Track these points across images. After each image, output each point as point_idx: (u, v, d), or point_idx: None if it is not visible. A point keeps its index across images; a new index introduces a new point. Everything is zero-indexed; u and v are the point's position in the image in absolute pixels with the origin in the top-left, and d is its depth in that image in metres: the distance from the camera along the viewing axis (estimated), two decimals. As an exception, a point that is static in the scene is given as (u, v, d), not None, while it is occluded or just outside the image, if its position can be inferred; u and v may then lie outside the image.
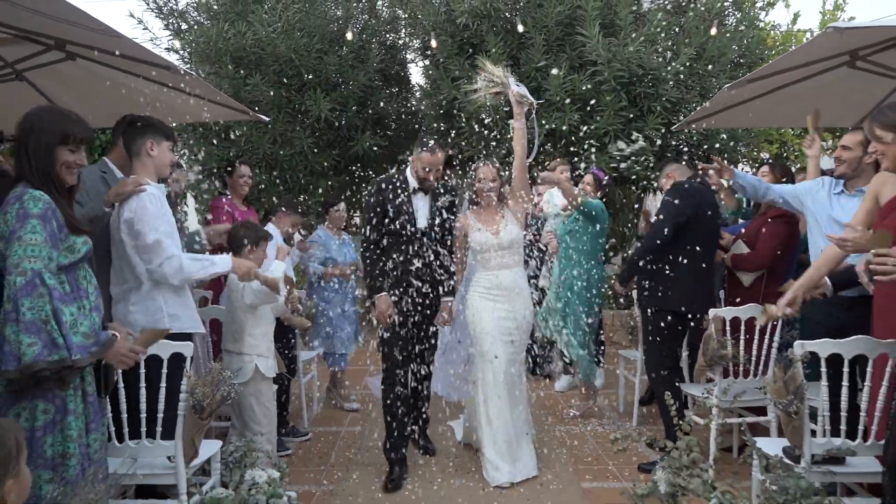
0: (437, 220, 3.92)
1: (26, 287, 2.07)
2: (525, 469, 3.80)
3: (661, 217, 3.95)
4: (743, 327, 3.66)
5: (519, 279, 3.94)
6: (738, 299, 3.98)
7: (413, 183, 3.89)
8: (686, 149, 7.16)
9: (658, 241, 3.92)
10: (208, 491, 2.74)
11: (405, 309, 3.82)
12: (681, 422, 3.28)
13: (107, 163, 3.35)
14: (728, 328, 3.66)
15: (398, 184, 3.88)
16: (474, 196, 3.99)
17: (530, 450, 3.89)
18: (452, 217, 3.99)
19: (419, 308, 3.87)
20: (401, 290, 3.82)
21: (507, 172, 4.05)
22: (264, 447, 3.35)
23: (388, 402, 3.85)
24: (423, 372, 4.06)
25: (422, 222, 3.88)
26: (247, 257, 3.56)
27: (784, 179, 4.22)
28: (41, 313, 2.08)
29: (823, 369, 2.62)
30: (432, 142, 3.85)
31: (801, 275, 3.68)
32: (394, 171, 4.12)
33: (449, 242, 3.99)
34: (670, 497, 3.03)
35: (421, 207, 3.90)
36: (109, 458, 2.47)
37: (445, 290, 3.95)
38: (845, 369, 2.58)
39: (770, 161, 5.41)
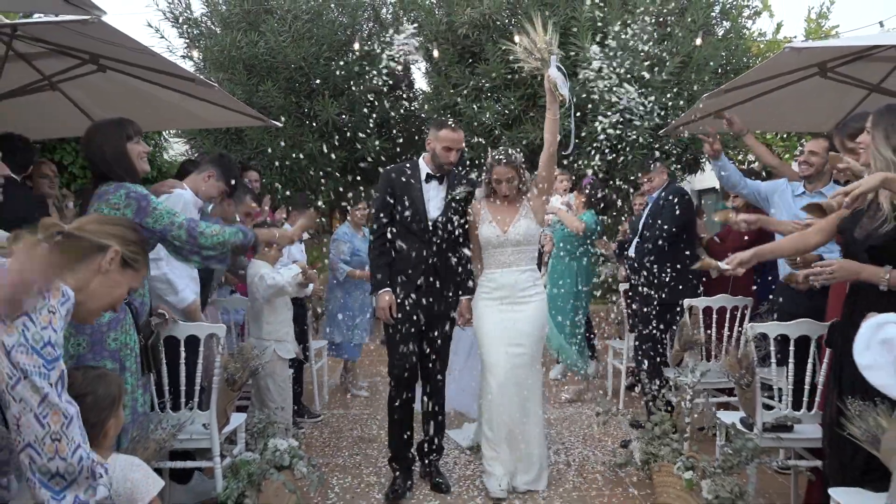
0: (452, 210, 3.59)
1: (186, 240, 2.65)
2: (528, 482, 3.60)
3: (669, 218, 4.34)
4: (715, 315, 4.06)
5: (527, 279, 3.61)
6: (713, 289, 4.41)
7: (426, 170, 3.60)
8: (675, 152, 7.51)
9: (661, 243, 4.34)
10: (238, 455, 3.12)
11: (411, 307, 3.53)
12: (653, 401, 3.69)
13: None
14: (701, 315, 4.07)
15: (409, 172, 3.60)
16: (490, 188, 3.67)
17: (536, 465, 3.62)
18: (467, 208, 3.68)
19: (428, 306, 3.56)
20: (407, 285, 3.54)
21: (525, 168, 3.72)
22: (282, 420, 3.73)
23: (392, 401, 3.64)
24: (428, 389, 3.67)
25: (434, 212, 3.57)
26: (262, 255, 3.95)
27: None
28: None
29: (772, 348, 2.99)
30: (451, 121, 3.63)
31: (771, 268, 4.11)
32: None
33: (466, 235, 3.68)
34: (644, 464, 3.43)
35: (434, 197, 3.58)
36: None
37: (462, 287, 3.69)
38: (791, 348, 2.96)
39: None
